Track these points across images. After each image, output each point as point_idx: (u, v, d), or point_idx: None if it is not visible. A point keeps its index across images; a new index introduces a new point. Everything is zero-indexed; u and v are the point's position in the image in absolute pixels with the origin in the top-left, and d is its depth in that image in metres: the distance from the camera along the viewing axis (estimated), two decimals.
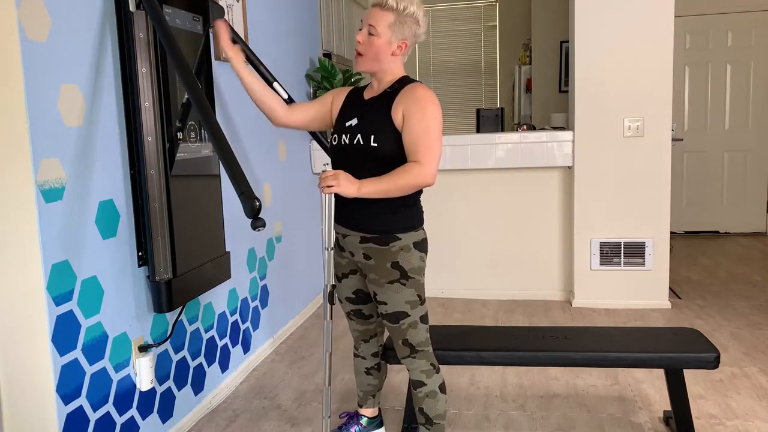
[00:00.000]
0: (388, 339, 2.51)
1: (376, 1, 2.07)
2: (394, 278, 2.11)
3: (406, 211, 2.12)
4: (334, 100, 2.28)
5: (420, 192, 2.18)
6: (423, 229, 2.21)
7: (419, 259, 2.15)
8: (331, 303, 2.14)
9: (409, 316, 2.15)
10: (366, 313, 2.36)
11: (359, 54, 2.12)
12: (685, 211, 6.31)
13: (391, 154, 2.05)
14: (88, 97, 2.08)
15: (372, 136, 2.06)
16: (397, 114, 2.04)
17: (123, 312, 2.27)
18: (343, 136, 2.15)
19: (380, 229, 2.10)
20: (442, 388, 2.25)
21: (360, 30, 2.11)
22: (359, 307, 2.35)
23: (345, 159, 2.12)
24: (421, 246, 2.17)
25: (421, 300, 2.17)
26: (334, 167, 2.16)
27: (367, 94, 2.19)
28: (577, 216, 4.12)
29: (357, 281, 2.29)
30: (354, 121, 2.14)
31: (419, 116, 2.00)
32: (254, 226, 1.89)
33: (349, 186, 1.95)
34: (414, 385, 2.25)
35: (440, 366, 2.30)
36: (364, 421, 2.54)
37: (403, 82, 2.12)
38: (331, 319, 2.17)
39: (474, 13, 7.15)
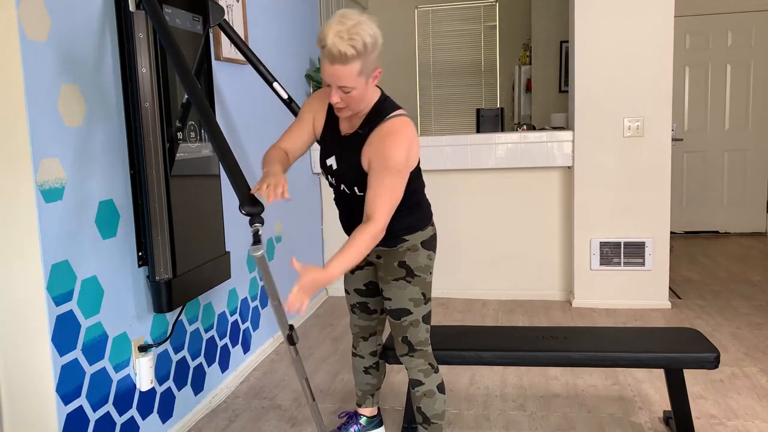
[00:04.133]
0: (388, 338, 2.52)
1: (335, 58, 1.82)
2: (400, 276, 2.15)
3: (410, 215, 2.13)
4: (315, 119, 2.16)
5: (424, 192, 2.21)
6: (432, 226, 2.22)
7: (426, 257, 2.17)
8: (292, 344, 2.10)
9: (412, 313, 2.17)
10: (371, 307, 2.37)
11: (341, 109, 1.98)
12: (685, 211, 6.31)
13: None
14: (88, 97, 2.08)
15: (355, 188, 2.06)
16: (365, 162, 2.00)
17: (123, 312, 2.27)
18: (329, 178, 2.16)
19: (387, 236, 2.08)
20: (441, 388, 2.25)
21: (330, 89, 1.92)
22: (366, 300, 2.36)
23: (345, 201, 2.16)
24: (429, 244, 2.19)
25: (426, 299, 2.19)
26: (337, 203, 2.21)
27: (343, 126, 2.09)
28: (577, 216, 4.12)
29: (370, 273, 2.32)
30: (333, 162, 2.11)
31: (380, 170, 1.93)
32: (251, 223, 1.91)
33: (316, 285, 1.85)
34: (412, 384, 2.26)
35: (440, 366, 2.30)
36: (363, 420, 2.54)
37: (377, 114, 2.01)
38: (298, 355, 2.15)
39: (474, 13, 7.15)
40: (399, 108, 2.05)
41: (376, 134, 1.98)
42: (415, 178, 2.12)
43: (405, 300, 2.16)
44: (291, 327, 2.10)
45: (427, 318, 2.21)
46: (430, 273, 2.20)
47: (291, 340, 2.09)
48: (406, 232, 2.13)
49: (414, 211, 2.15)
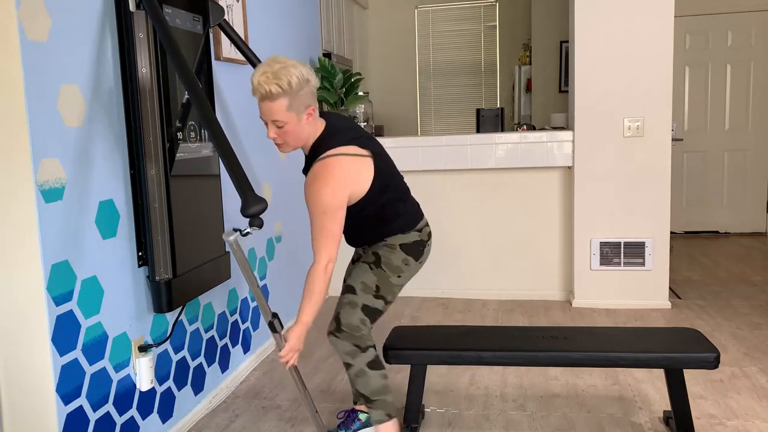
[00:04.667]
0: (387, 339, 2.52)
1: (263, 96, 2.05)
2: (368, 261, 2.32)
3: (392, 223, 2.29)
4: None
5: (400, 201, 2.30)
6: (417, 232, 2.32)
7: (401, 260, 2.30)
8: (275, 331, 2.14)
9: (356, 294, 2.30)
10: None
11: (280, 145, 2.18)
12: (685, 211, 6.31)
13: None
14: (88, 97, 2.08)
15: None
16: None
17: (123, 312, 2.27)
18: None
19: (374, 240, 2.34)
20: (372, 365, 2.33)
21: (267, 126, 2.13)
22: None
23: None
24: (410, 248, 2.31)
25: (377, 292, 2.30)
26: None
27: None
28: (577, 216, 4.12)
29: None
30: None
31: (311, 213, 2.14)
32: (250, 224, 1.92)
33: (300, 339, 2.13)
34: (345, 367, 2.36)
35: (440, 366, 2.31)
36: (362, 416, 2.55)
37: (314, 154, 2.19)
38: (285, 342, 2.16)
39: (474, 13, 7.15)
40: (335, 146, 2.16)
41: (306, 179, 2.18)
42: (379, 195, 2.23)
43: (357, 280, 2.31)
44: (275, 315, 2.13)
45: (367, 309, 2.30)
46: (399, 276, 2.31)
47: (273, 327, 2.12)
48: (386, 236, 2.30)
49: (391, 222, 2.29)
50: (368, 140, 2.27)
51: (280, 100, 2.05)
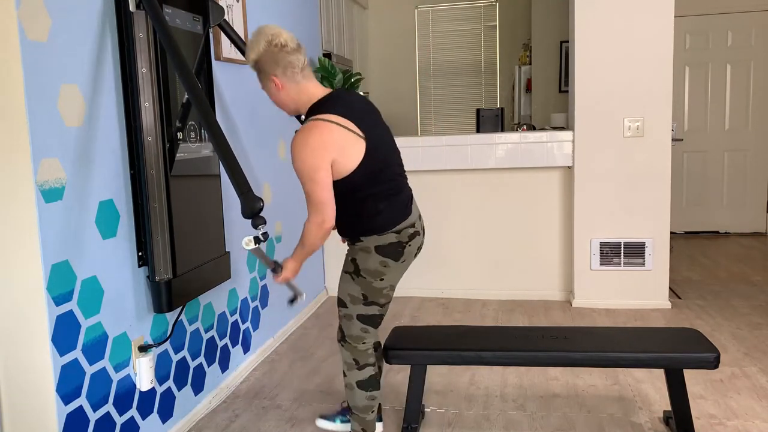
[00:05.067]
0: (387, 339, 2.52)
1: None
2: (349, 270, 2.29)
3: (367, 221, 2.22)
4: None
5: (386, 198, 2.21)
6: (395, 233, 2.22)
7: (379, 263, 2.23)
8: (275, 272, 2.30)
9: (347, 308, 2.32)
10: None
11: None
12: (685, 211, 6.31)
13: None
14: (88, 97, 2.08)
15: None
16: None
17: (123, 312, 2.27)
18: None
19: (350, 234, 2.29)
20: (361, 384, 2.35)
21: None
22: None
23: None
24: (386, 250, 2.22)
25: (367, 300, 2.27)
26: None
27: None
28: (577, 216, 4.12)
29: None
30: None
31: (293, 164, 2.11)
32: (254, 225, 1.93)
33: (290, 268, 2.26)
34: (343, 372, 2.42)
35: (440, 366, 2.32)
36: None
37: (306, 118, 2.19)
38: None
39: (474, 13, 7.14)
40: (326, 113, 2.11)
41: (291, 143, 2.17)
42: (365, 183, 2.16)
43: (344, 293, 2.31)
44: (276, 263, 2.27)
45: (364, 318, 2.30)
46: (381, 279, 2.24)
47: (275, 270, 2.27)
48: (361, 234, 2.24)
49: (371, 218, 2.20)
50: (372, 126, 2.18)
51: (254, 71, 2.19)
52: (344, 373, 2.38)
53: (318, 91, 2.18)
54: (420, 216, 2.36)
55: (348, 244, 2.34)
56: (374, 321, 2.33)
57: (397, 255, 2.23)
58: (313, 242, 2.17)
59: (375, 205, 2.19)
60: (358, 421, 2.41)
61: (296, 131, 2.13)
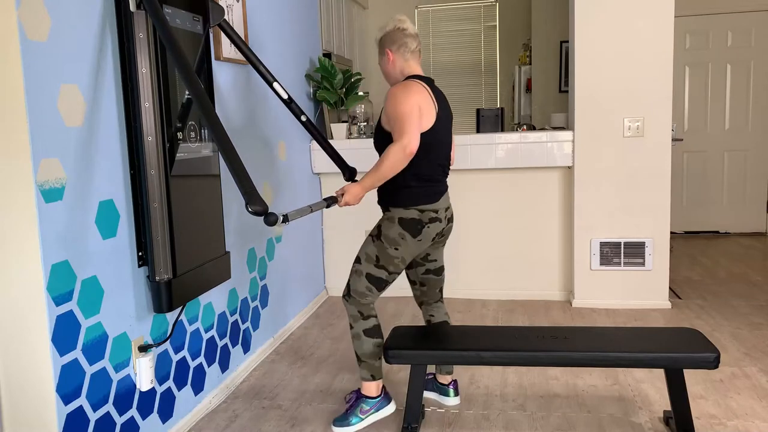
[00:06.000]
0: (388, 339, 2.52)
1: None
2: (373, 233, 2.56)
3: (400, 191, 2.49)
4: None
5: (418, 180, 2.47)
6: (417, 210, 2.48)
7: (397, 234, 2.49)
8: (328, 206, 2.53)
9: (360, 264, 2.56)
10: (410, 278, 2.78)
11: None
12: (685, 211, 6.31)
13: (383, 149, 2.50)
14: (88, 97, 2.08)
15: (372, 139, 2.63)
16: (383, 115, 2.50)
17: (123, 312, 2.27)
18: None
19: (383, 203, 2.58)
20: (368, 332, 2.57)
21: None
22: (405, 271, 2.77)
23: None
24: (406, 224, 2.48)
25: (378, 262, 2.52)
26: None
27: None
28: (577, 216, 4.12)
29: None
30: None
31: (388, 108, 2.43)
32: (268, 223, 2.03)
33: (354, 193, 2.45)
34: (349, 327, 2.66)
35: (444, 364, 2.30)
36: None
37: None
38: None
39: (474, 13, 7.14)
40: (417, 81, 2.50)
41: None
42: (419, 151, 2.40)
43: (363, 251, 2.57)
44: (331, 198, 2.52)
45: (372, 278, 2.54)
46: (396, 249, 2.50)
47: (329, 204, 2.51)
48: (392, 204, 2.52)
49: (405, 188, 2.47)
50: (444, 110, 2.54)
51: (377, 46, 2.62)
52: (351, 325, 2.61)
53: (418, 69, 2.58)
54: (448, 208, 2.60)
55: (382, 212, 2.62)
56: (380, 284, 2.56)
57: (415, 232, 2.48)
58: (392, 164, 2.34)
59: (410, 180, 2.47)
60: (367, 368, 2.60)
61: (392, 86, 2.50)
